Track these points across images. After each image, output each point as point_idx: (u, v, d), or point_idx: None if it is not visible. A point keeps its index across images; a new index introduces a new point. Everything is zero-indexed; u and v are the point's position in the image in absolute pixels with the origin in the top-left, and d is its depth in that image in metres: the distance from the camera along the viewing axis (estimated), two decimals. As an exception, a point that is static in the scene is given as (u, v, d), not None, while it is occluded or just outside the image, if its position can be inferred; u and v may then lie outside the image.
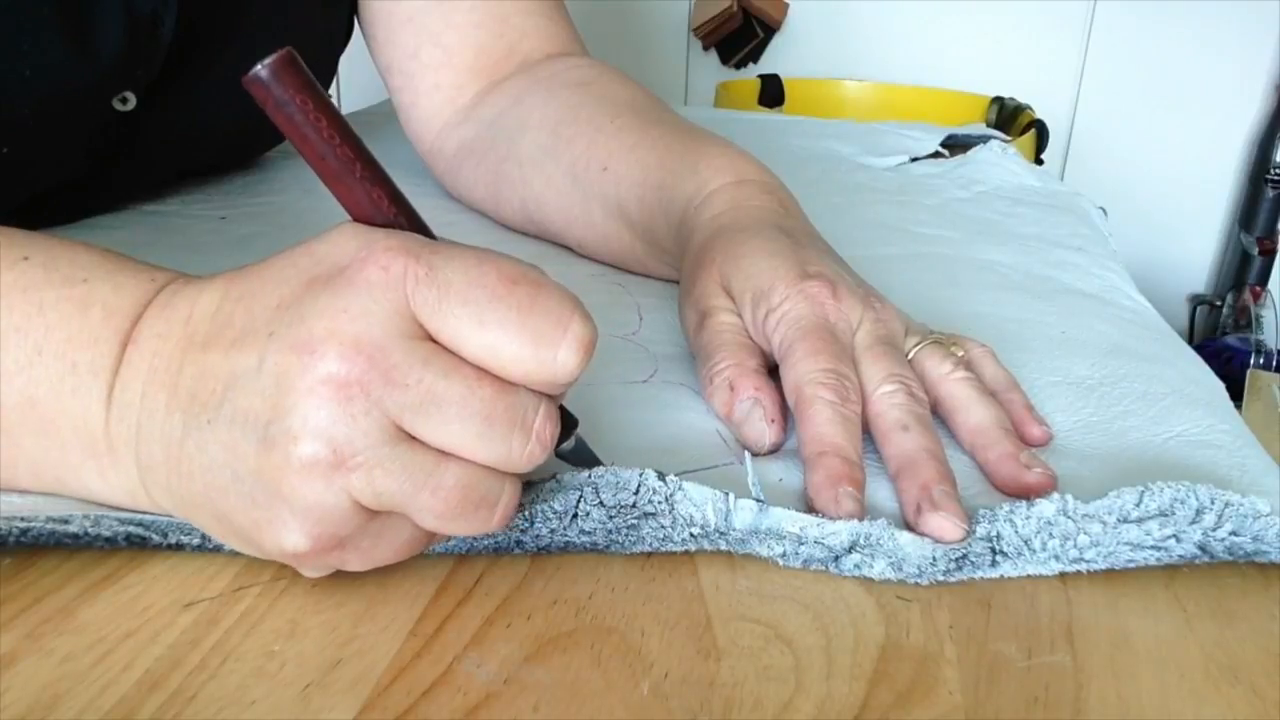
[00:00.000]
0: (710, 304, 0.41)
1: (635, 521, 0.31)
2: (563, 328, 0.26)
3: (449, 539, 0.30)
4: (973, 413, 0.37)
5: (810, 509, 0.33)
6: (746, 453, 0.35)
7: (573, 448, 0.32)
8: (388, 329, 0.25)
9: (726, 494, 0.31)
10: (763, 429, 0.36)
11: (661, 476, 0.31)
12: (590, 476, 0.31)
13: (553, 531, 0.31)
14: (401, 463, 0.26)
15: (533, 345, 0.26)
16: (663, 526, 0.31)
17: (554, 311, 0.26)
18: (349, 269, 0.26)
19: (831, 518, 0.32)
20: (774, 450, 0.37)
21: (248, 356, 0.26)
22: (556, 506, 0.31)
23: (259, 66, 0.25)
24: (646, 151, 0.51)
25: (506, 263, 0.27)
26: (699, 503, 0.31)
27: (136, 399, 0.28)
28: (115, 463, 0.29)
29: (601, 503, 0.31)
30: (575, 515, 0.31)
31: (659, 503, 0.31)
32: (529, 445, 0.27)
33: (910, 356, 0.39)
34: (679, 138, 0.51)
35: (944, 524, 0.31)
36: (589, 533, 0.31)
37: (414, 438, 0.26)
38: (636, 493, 0.31)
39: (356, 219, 0.28)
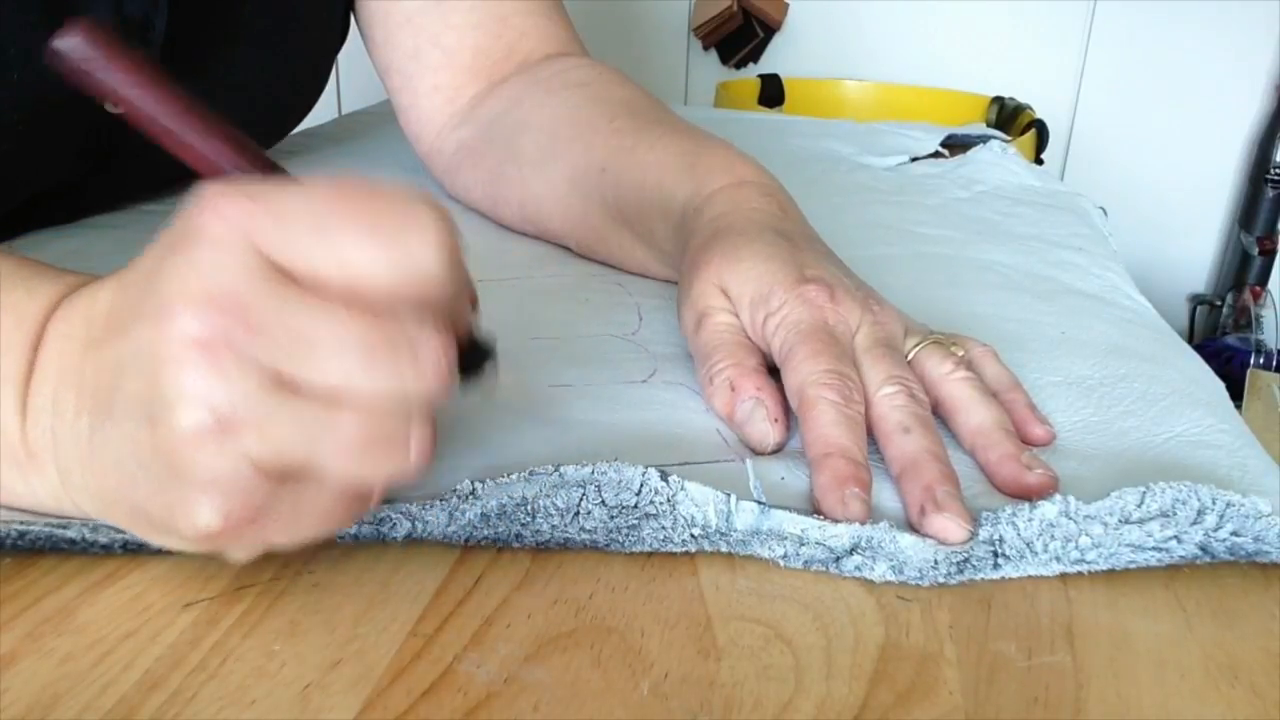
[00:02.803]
0: (708, 304, 0.41)
1: (636, 522, 0.31)
2: (409, 221, 0.24)
3: (385, 504, 0.29)
4: (974, 413, 0.37)
5: (815, 510, 0.33)
6: (748, 455, 0.35)
7: (482, 380, 0.30)
8: (238, 276, 0.24)
9: (728, 495, 0.31)
10: (766, 429, 0.36)
11: (664, 477, 0.31)
12: (594, 474, 0.31)
13: (554, 528, 0.31)
14: (290, 413, 0.24)
15: (383, 246, 0.24)
16: (664, 528, 0.31)
17: (396, 209, 0.24)
18: (191, 228, 0.24)
19: (838, 520, 0.32)
20: (777, 450, 0.37)
21: (128, 341, 0.25)
22: (559, 503, 0.31)
23: (57, 38, 0.24)
24: (645, 153, 0.51)
25: (343, 178, 0.25)
26: (700, 503, 0.31)
27: (49, 404, 0.28)
28: (37, 469, 0.29)
29: (604, 502, 0.31)
30: (577, 513, 0.31)
31: (660, 503, 0.31)
32: (420, 372, 0.25)
33: (910, 357, 0.39)
34: (677, 139, 0.51)
35: (947, 525, 0.31)
36: (590, 530, 0.31)
37: (299, 386, 0.24)
38: (638, 493, 0.31)
39: (207, 177, 0.26)
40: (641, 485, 0.31)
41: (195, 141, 0.26)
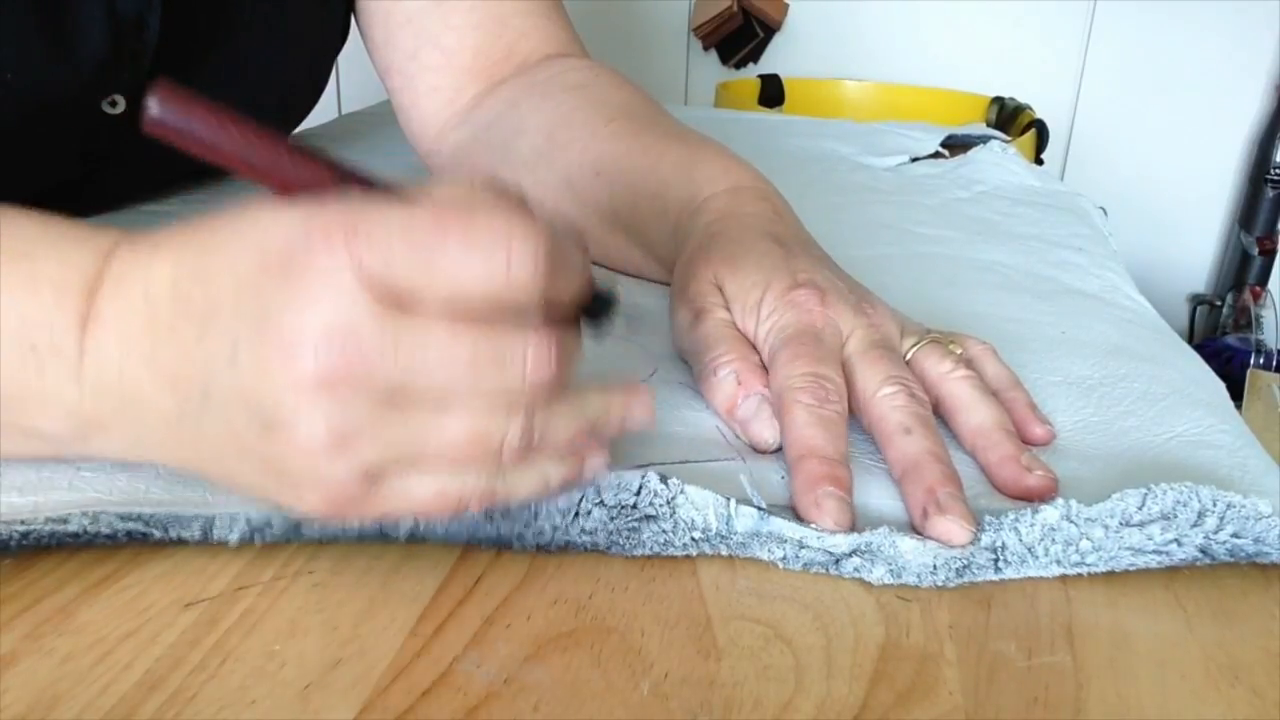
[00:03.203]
0: (706, 302, 0.41)
1: (636, 524, 0.31)
2: (505, 238, 0.25)
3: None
4: (974, 413, 0.37)
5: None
6: (748, 454, 0.35)
7: (623, 327, 0.32)
8: (352, 310, 0.25)
9: (728, 499, 0.31)
10: (772, 425, 0.36)
11: (664, 479, 0.31)
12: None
13: (555, 529, 0.31)
14: (403, 428, 0.26)
15: (482, 265, 0.25)
16: (664, 531, 0.31)
17: (491, 227, 0.25)
18: (297, 256, 0.25)
19: (815, 521, 0.31)
20: (780, 449, 0.37)
21: (220, 344, 0.26)
22: (560, 504, 0.31)
23: (149, 106, 0.25)
24: (640, 156, 0.51)
25: (442, 198, 0.26)
26: (700, 506, 0.31)
27: (115, 380, 0.28)
28: (101, 433, 0.30)
29: (603, 502, 0.31)
30: (577, 514, 0.31)
31: (660, 505, 0.31)
32: (525, 375, 0.26)
33: (909, 357, 0.38)
34: (673, 143, 0.51)
35: (950, 528, 0.31)
36: (590, 532, 0.31)
37: (411, 400, 0.26)
38: (638, 494, 0.31)
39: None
40: (640, 487, 0.31)
41: (296, 176, 0.27)
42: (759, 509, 0.31)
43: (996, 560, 0.31)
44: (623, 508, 0.31)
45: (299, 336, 0.25)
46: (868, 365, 0.37)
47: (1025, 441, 0.37)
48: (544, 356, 0.26)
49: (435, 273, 0.25)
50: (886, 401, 0.36)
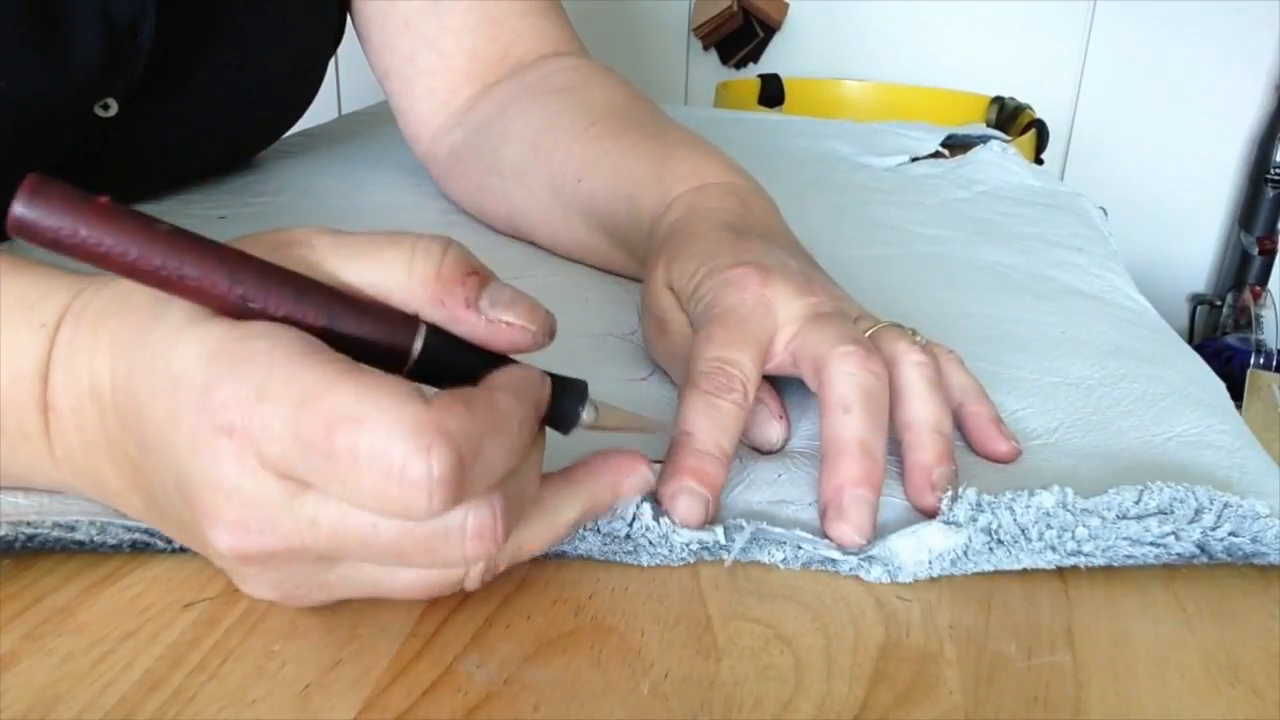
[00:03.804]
0: (662, 308, 0.40)
1: (633, 549, 0.31)
2: (392, 471, 0.22)
3: None
4: (913, 405, 0.34)
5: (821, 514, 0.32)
6: (745, 467, 0.35)
7: (597, 417, 0.29)
8: (261, 498, 0.24)
9: (723, 526, 0.31)
10: (775, 427, 0.36)
11: (656, 516, 0.31)
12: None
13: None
14: (348, 583, 0.26)
15: (375, 497, 0.23)
16: (660, 552, 0.31)
17: (380, 456, 0.22)
18: (201, 429, 0.24)
19: (668, 513, 0.31)
20: (782, 448, 0.36)
21: (159, 478, 0.26)
22: None
23: (14, 206, 0.22)
24: (619, 159, 0.51)
25: (329, 398, 0.23)
26: (691, 538, 0.31)
27: (82, 467, 0.29)
28: (87, 499, 0.30)
29: (597, 529, 0.31)
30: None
31: (655, 538, 0.31)
32: (465, 554, 0.24)
33: (866, 335, 0.36)
34: (649, 143, 0.50)
35: (844, 532, 0.31)
36: (585, 551, 0.31)
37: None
38: (630, 524, 0.31)
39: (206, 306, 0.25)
40: (634, 517, 0.31)
41: (184, 279, 0.24)
42: (754, 526, 0.31)
43: (991, 544, 0.31)
44: (615, 537, 0.31)
45: (215, 517, 0.24)
46: (819, 328, 0.35)
47: (989, 458, 0.36)
48: (483, 535, 0.24)
49: (331, 482, 0.23)
50: (837, 365, 0.33)
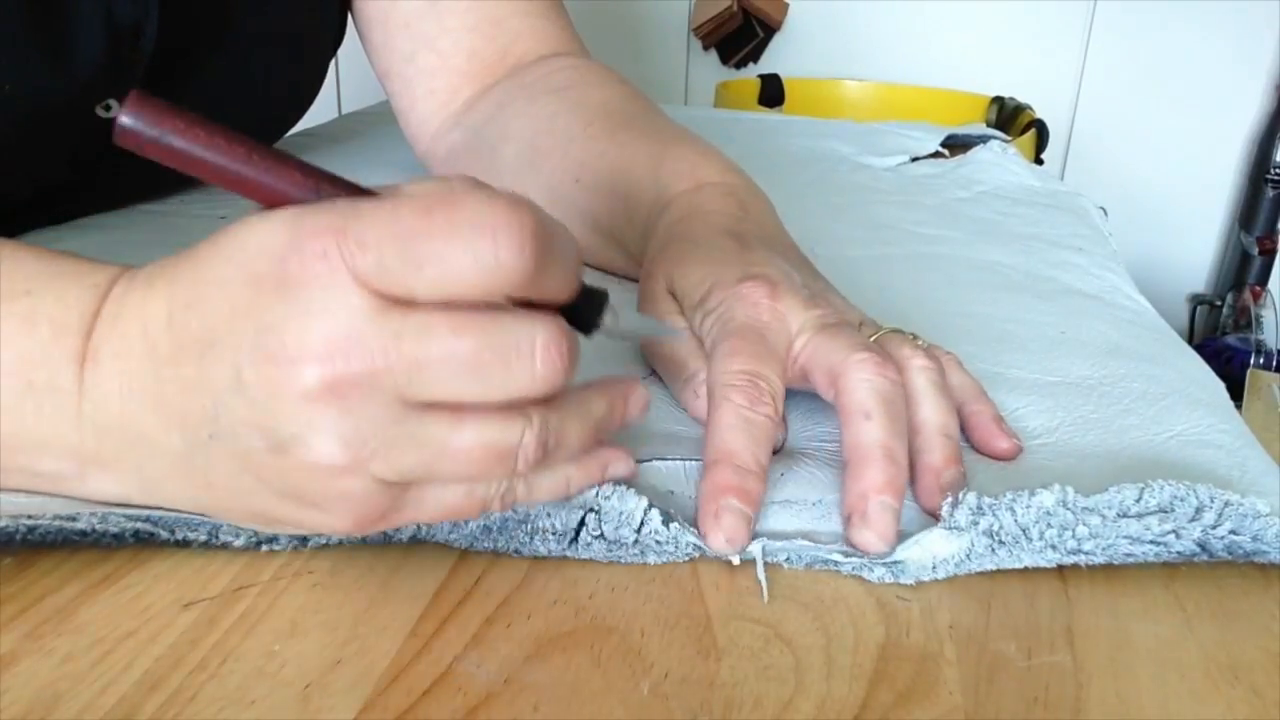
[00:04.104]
0: (660, 308, 0.40)
1: (639, 553, 0.31)
2: (489, 224, 0.25)
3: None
4: (921, 409, 0.35)
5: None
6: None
7: (616, 323, 0.30)
8: (351, 314, 0.25)
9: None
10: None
11: (666, 521, 0.31)
12: (597, 496, 0.31)
13: (550, 551, 0.31)
14: (414, 437, 0.26)
15: (469, 260, 0.25)
16: (667, 550, 0.31)
17: (476, 214, 0.25)
18: (289, 268, 0.25)
19: (708, 535, 0.31)
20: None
21: (222, 369, 0.26)
22: (557, 525, 0.31)
23: (120, 117, 0.25)
24: (615, 158, 0.51)
25: (421, 193, 0.26)
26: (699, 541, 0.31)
27: (116, 420, 0.28)
28: (104, 472, 0.29)
29: (603, 535, 0.31)
30: (575, 539, 0.31)
31: (664, 541, 0.31)
32: (535, 370, 0.26)
33: (872, 341, 0.36)
34: (646, 142, 0.50)
35: (869, 540, 0.31)
36: (588, 557, 0.31)
37: (422, 405, 0.26)
38: (639, 530, 0.31)
39: (278, 205, 0.27)
40: (642, 524, 0.31)
41: (275, 185, 0.26)
42: (761, 541, 0.31)
43: (993, 545, 0.31)
44: (622, 543, 0.31)
45: (301, 348, 0.25)
46: (830, 338, 0.35)
47: (990, 455, 0.36)
48: (554, 348, 0.26)
49: (426, 266, 0.25)
50: (855, 372, 0.34)
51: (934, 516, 0.33)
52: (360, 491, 0.26)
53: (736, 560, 0.31)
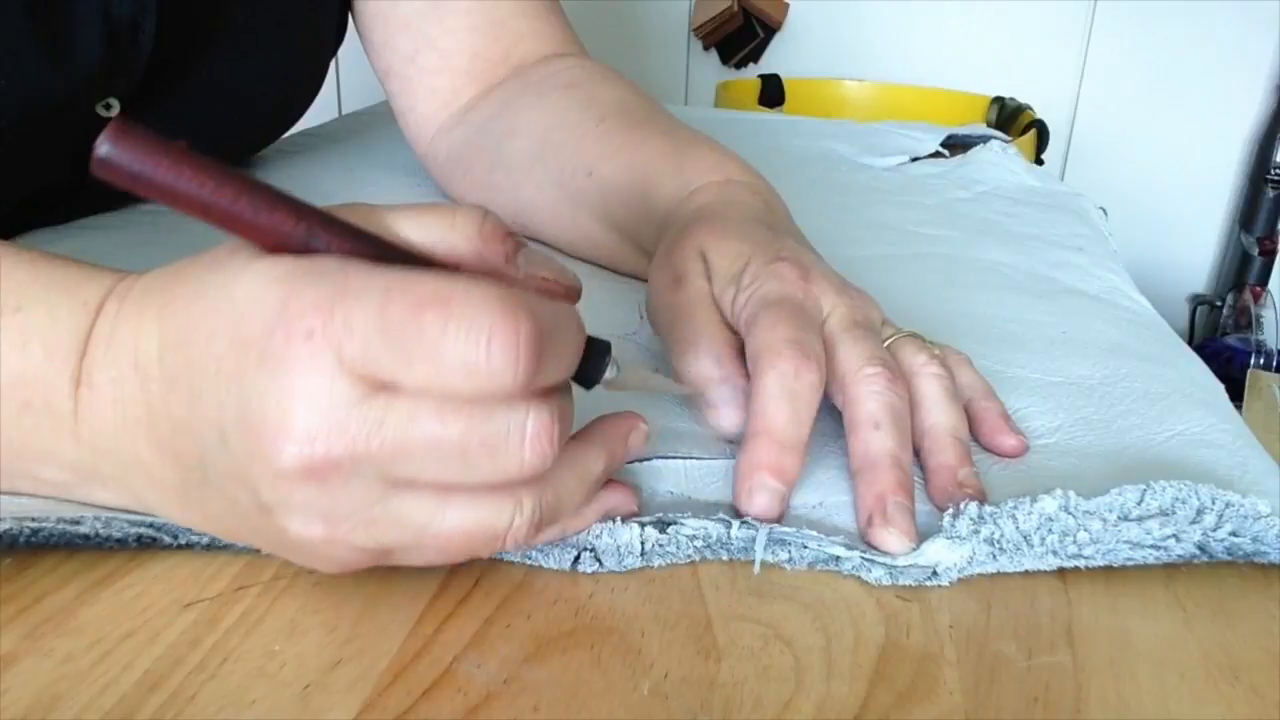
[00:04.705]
0: (687, 269, 0.40)
1: (645, 561, 0.31)
2: (483, 335, 0.24)
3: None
4: (932, 413, 0.36)
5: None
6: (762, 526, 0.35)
7: (618, 376, 0.29)
8: (333, 404, 0.24)
9: (727, 523, 0.31)
10: (741, 414, 0.36)
11: (663, 529, 0.31)
12: (588, 537, 0.31)
13: (549, 568, 0.31)
14: (396, 517, 0.26)
15: (460, 365, 0.24)
16: (669, 550, 0.31)
17: (469, 321, 0.24)
18: (274, 341, 0.24)
19: (742, 509, 0.32)
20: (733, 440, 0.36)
21: (209, 425, 0.26)
22: (551, 563, 0.31)
23: (98, 147, 0.23)
24: (631, 153, 0.51)
25: (414, 285, 0.24)
26: (704, 536, 0.31)
27: (112, 444, 0.28)
28: (105, 488, 0.30)
29: (602, 565, 0.31)
30: (575, 563, 0.31)
31: (664, 545, 0.31)
32: (524, 458, 0.25)
33: (887, 345, 0.38)
34: (664, 139, 0.51)
35: (889, 539, 0.31)
36: (596, 570, 0.31)
37: (405, 483, 0.25)
38: (643, 554, 0.31)
39: (268, 249, 0.26)
40: (643, 545, 0.31)
41: (258, 224, 0.25)
42: (766, 529, 0.31)
43: (994, 553, 0.31)
44: (630, 553, 0.31)
45: (281, 429, 0.24)
46: (851, 342, 0.36)
47: (997, 452, 0.37)
48: (541, 437, 0.25)
49: (414, 364, 0.24)
50: (866, 384, 0.34)
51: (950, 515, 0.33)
52: (343, 555, 0.27)
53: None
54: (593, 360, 0.29)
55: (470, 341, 0.24)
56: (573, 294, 0.29)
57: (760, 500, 0.32)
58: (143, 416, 0.27)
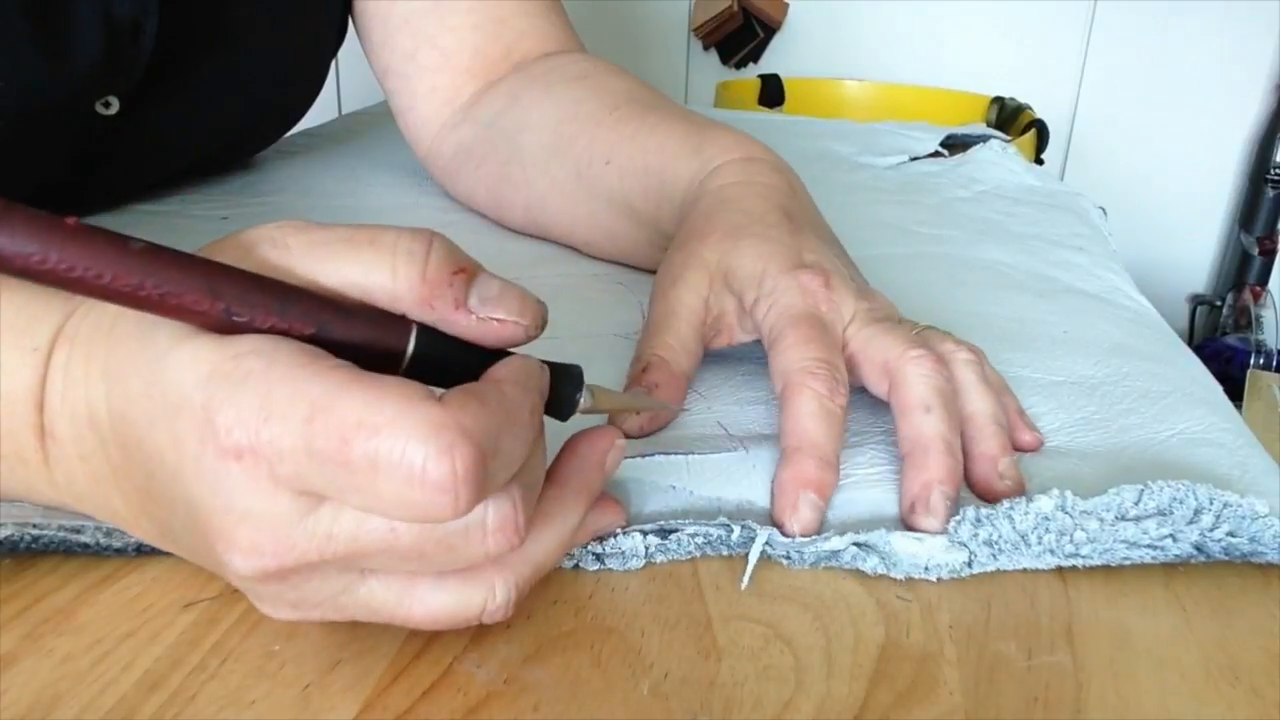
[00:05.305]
0: (691, 273, 0.40)
1: (647, 563, 0.31)
2: (414, 475, 0.22)
3: None
4: (971, 399, 0.36)
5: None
6: (749, 457, 0.35)
7: (592, 402, 0.29)
8: (275, 520, 0.23)
9: (729, 527, 0.31)
10: (640, 425, 0.36)
11: (665, 534, 0.31)
12: (592, 546, 0.31)
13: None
14: (363, 603, 0.25)
15: (398, 504, 0.22)
16: (669, 547, 0.31)
17: (400, 458, 0.22)
18: (207, 455, 0.23)
19: (784, 522, 0.32)
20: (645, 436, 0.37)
21: (167, 509, 0.25)
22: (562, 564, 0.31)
23: None
24: (647, 138, 0.50)
25: (339, 407, 0.22)
26: (703, 539, 0.31)
27: (86, 492, 0.28)
28: (89, 518, 0.30)
29: (605, 566, 0.31)
30: (577, 567, 0.31)
31: (667, 543, 0.31)
32: (488, 548, 0.24)
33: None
34: (680, 122, 0.50)
35: (931, 526, 0.32)
36: (599, 569, 0.31)
37: (374, 571, 0.25)
38: (647, 557, 0.31)
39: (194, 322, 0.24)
40: (647, 551, 0.31)
41: (172, 293, 0.22)
42: (767, 531, 0.32)
43: (994, 554, 0.31)
44: (633, 555, 0.31)
45: (231, 543, 0.23)
46: (884, 333, 0.36)
47: (1015, 447, 0.37)
48: (505, 528, 0.24)
49: (349, 493, 0.22)
50: (914, 367, 0.34)
51: (989, 502, 0.33)
52: (319, 620, 0.26)
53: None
54: (564, 393, 0.28)
55: (403, 481, 0.22)
56: (534, 328, 0.27)
57: (806, 515, 0.32)
58: (108, 475, 0.27)
